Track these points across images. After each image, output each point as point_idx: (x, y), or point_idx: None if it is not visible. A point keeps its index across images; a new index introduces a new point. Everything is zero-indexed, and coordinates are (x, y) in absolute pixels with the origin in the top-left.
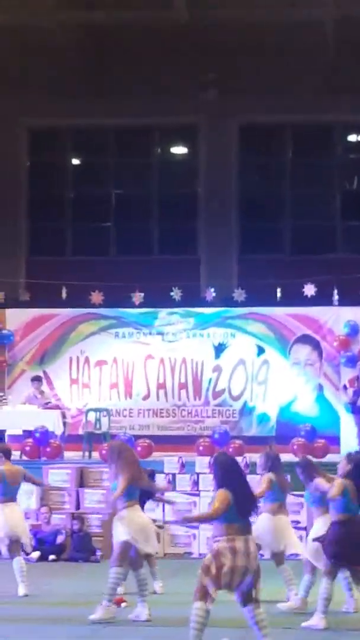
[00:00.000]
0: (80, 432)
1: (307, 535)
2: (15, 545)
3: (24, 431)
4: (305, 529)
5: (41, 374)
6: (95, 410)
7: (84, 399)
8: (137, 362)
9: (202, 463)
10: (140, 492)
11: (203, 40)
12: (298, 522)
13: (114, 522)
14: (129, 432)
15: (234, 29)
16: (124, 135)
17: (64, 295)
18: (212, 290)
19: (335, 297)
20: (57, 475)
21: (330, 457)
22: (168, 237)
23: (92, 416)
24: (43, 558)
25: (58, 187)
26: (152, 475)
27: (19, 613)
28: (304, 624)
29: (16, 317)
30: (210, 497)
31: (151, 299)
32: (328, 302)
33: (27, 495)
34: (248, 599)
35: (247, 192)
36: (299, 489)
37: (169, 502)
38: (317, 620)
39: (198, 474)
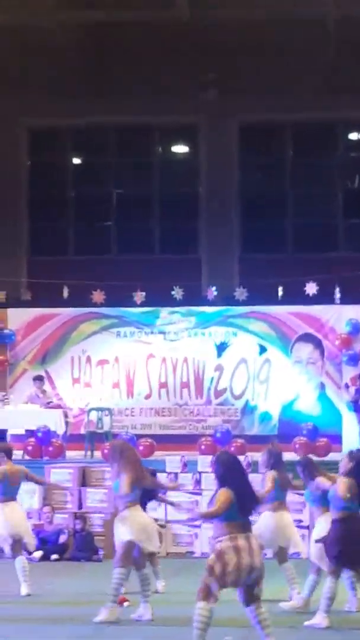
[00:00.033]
0: (82, 431)
1: (309, 534)
2: (17, 545)
3: (26, 431)
4: (307, 527)
5: (43, 374)
6: (97, 409)
7: (86, 399)
8: (138, 362)
9: (204, 462)
10: (142, 492)
11: (203, 40)
12: (300, 520)
13: (115, 522)
14: (131, 431)
15: (234, 29)
16: (125, 134)
17: (65, 294)
18: (214, 289)
19: (337, 295)
20: (60, 475)
21: (332, 456)
22: (169, 237)
23: (94, 415)
24: (45, 557)
25: (59, 186)
26: (153, 475)
27: (21, 613)
28: (306, 623)
29: (18, 317)
30: (211, 496)
31: (152, 298)
32: (330, 301)
33: (30, 495)
34: (251, 598)
35: (248, 191)
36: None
37: (172, 504)
38: (319, 619)
39: (200, 473)
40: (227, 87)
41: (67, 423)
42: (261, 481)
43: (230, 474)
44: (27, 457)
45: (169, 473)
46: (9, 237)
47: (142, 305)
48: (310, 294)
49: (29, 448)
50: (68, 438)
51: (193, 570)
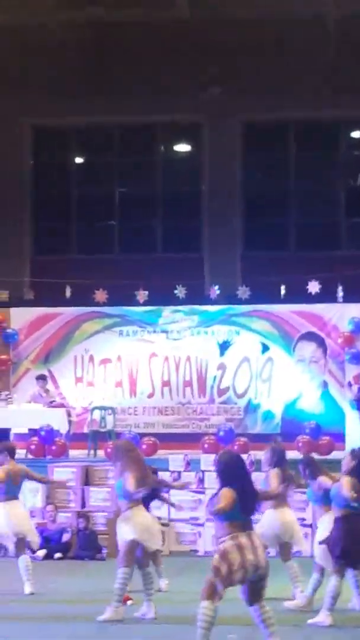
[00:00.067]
0: (86, 430)
1: (312, 532)
2: (21, 543)
3: (30, 430)
4: (310, 526)
5: (46, 373)
6: (100, 408)
7: (89, 397)
8: (141, 360)
9: (207, 461)
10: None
11: (204, 39)
12: (303, 519)
13: (118, 522)
14: (134, 430)
15: (234, 28)
16: (127, 134)
17: (68, 293)
18: (216, 287)
19: (340, 294)
20: (63, 474)
21: (335, 454)
22: (172, 235)
23: (97, 414)
24: (49, 556)
25: (61, 186)
26: (154, 474)
27: (24, 611)
28: (310, 621)
29: (20, 316)
30: (211, 495)
31: (155, 297)
32: (332, 299)
33: (33, 494)
34: (254, 596)
35: (250, 189)
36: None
37: (172, 505)
38: (323, 617)
39: (203, 472)
40: (229, 85)
41: (70, 422)
42: (264, 479)
43: (233, 472)
44: (30, 456)
45: (172, 472)
46: (12, 236)
47: (145, 304)
48: (313, 293)
49: (32, 447)
50: (71, 437)
51: (196, 568)
